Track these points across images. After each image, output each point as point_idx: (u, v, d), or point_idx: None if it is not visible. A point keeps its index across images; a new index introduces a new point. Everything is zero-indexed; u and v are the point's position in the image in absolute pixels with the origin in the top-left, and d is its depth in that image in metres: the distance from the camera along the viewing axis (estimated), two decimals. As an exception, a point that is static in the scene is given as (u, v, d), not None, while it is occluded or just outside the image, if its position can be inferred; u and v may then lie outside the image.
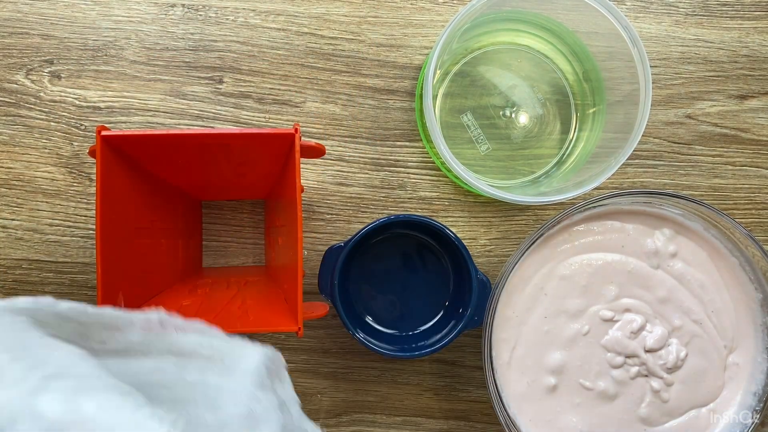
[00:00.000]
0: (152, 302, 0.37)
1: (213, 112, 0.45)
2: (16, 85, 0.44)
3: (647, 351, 0.40)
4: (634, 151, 0.40)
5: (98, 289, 0.32)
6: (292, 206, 0.33)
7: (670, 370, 0.40)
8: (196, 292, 0.39)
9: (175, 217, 0.42)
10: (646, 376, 0.40)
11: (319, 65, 0.45)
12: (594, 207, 0.39)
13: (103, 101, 0.44)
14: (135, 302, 0.36)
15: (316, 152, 0.35)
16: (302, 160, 0.34)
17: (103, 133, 0.31)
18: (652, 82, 0.40)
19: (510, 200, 0.40)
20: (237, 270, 0.45)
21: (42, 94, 0.44)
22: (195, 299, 0.37)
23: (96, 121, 0.44)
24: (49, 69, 0.44)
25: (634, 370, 0.40)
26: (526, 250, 0.39)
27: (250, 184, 0.42)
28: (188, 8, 0.45)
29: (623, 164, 0.40)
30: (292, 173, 0.33)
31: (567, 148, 0.46)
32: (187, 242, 0.43)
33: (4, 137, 0.44)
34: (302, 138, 0.33)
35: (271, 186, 0.42)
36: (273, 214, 0.43)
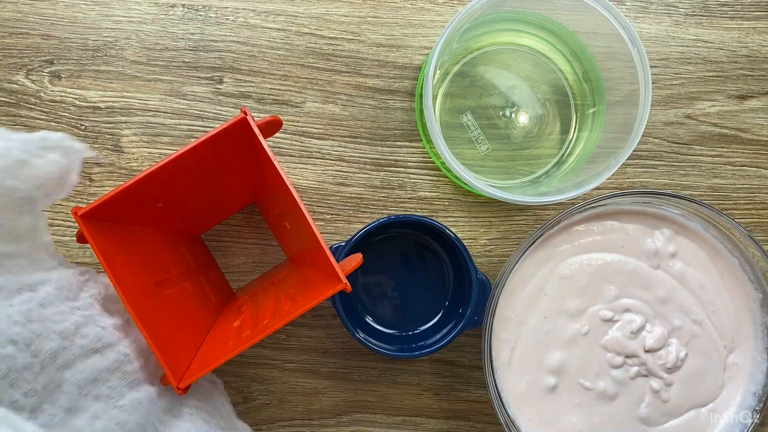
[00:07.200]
0: (206, 344, 0.37)
1: (213, 113, 0.45)
2: (16, 85, 0.44)
3: (647, 351, 0.40)
4: (633, 151, 0.40)
5: (160, 361, 0.32)
6: (281, 185, 0.32)
7: (670, 370, 0.40)
8: (240, 310, 0.39)
9: (185, 258, 0.41)
10: (646, 376, 0.40)
11: (319, 65, 0.45)
12: (594, 207, 0.39)
13: (103, 101, 0.44)
14: (189, 354, 0.36)
15: (275, 125, 0.35)
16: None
17: (80, 213, 0.31)
18: (652, 82, 0.40)
19: (510, 200, 0.40)
20: (264, 277, 0.44)
21: (42, 94, 0.44)
22: (244, 316, 0.37)
23: (96, 121, 0.44)
24: (49, 69, 0.44)
25: (634, 370, 0.40)
26: (526, 250, 0.39)
27: (236, 192, 0.42)
28: (188, 8, 0.45)
29: (623, 164, 0.40)
30: (266, 158, 0.32)
31: (567, 148, 0.46)
32: (208, 276, 0.43)
33: (4, 137, 0.44)
34: (259, 120, 0.33)
35: (255, 185, 0.42)
36: (269, 207, 0.43)
